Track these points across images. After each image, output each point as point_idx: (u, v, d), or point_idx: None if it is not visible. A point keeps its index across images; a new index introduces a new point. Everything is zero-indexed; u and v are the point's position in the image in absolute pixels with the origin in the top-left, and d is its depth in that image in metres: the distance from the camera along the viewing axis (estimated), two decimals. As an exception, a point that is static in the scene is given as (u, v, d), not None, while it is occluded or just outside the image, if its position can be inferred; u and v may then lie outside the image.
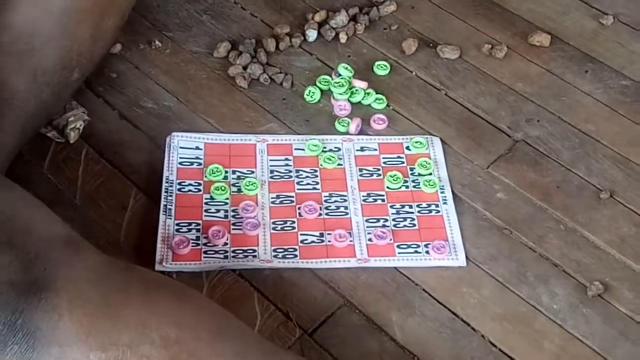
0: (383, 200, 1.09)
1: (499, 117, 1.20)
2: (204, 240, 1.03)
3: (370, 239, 1.05)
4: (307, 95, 1.21)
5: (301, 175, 1.11)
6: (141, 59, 1.26)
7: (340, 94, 1.20)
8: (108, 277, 0.83)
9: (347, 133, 1.17)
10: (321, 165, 1.12)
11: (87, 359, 0.78)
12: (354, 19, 1.32)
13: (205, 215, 1.06)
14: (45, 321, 0.78)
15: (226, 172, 1.11)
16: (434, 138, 1.17)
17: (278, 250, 1.03)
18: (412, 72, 1.26)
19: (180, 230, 1.04)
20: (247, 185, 1.09)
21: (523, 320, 0.99)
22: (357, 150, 1.15)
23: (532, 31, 1.31)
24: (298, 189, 1.10)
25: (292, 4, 1.35)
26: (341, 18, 1.31)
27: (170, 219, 1.05)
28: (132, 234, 1.05)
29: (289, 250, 1.04)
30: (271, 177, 1.11)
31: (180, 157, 1.12)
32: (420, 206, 1.09)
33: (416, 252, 1.04)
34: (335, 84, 1.21)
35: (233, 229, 1.05)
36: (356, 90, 1.21)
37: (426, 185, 1.10)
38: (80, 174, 1.11)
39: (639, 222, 1.08)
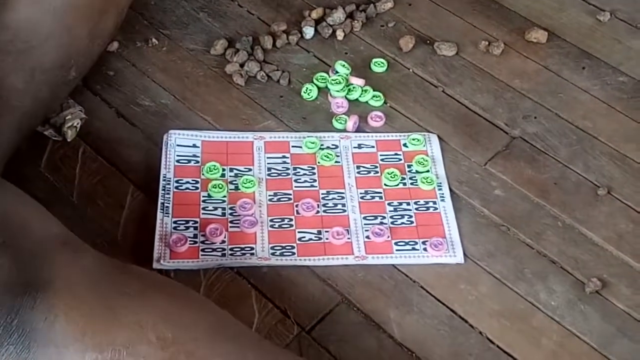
0: (380, 197, 1.09)
1: (496, 114, 1.20)
2: (202, 238, 1.03)
3: (367, 237, 1.05)
4: (304, 92, 1.21)
5: (299, 172, 1.11)
6: (138, 56, 1.26)
7: (338, 91, 1.20)
8: (104, 278, 0.83)
9: (344, 130, 1.17)
10: (319, 162, 1.12)
11: None
12: (351, 16, 1.32)
13: (202, 213, 1.06)
14: (41, 322, 0.78)
15: (223, 169, 1.11)
16: (431, 135, 1.16)
17: (276, 248, 1.03)
18: (409, 69, 1.26)
19: (178, 228, 1.04)
20: (245, 183, 1.09)
21: (521, 317, 0.99)
22: (355, 147, 1.14)
23: (529, 28, 1.31)
24: (295, 187, 1.10)
25: (289, 1, 1.35)
26: (338, 15, 1.31)
27: (168, 216, 1.05)
28: (130, 231, 1.05)
29: (287, 247, 1.03)
30: (269, 175, 1.11)
31: (178, 155, 1.12)
32: (418, 203, 1.09)
33: (414, 249, 1.04)
34: (333, 82, 1.21)
35: (231, 226, 1.05)
36: (353, 87, 1.21)
37: (424, 183, 1.10)
38: (77, 172, 1.11)
39: (637, 219, 1.08)
